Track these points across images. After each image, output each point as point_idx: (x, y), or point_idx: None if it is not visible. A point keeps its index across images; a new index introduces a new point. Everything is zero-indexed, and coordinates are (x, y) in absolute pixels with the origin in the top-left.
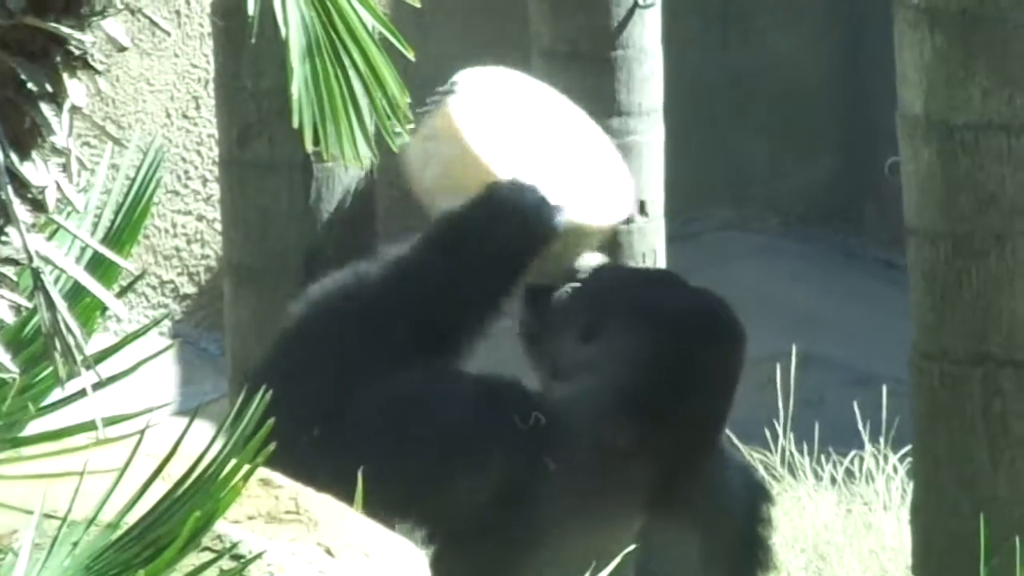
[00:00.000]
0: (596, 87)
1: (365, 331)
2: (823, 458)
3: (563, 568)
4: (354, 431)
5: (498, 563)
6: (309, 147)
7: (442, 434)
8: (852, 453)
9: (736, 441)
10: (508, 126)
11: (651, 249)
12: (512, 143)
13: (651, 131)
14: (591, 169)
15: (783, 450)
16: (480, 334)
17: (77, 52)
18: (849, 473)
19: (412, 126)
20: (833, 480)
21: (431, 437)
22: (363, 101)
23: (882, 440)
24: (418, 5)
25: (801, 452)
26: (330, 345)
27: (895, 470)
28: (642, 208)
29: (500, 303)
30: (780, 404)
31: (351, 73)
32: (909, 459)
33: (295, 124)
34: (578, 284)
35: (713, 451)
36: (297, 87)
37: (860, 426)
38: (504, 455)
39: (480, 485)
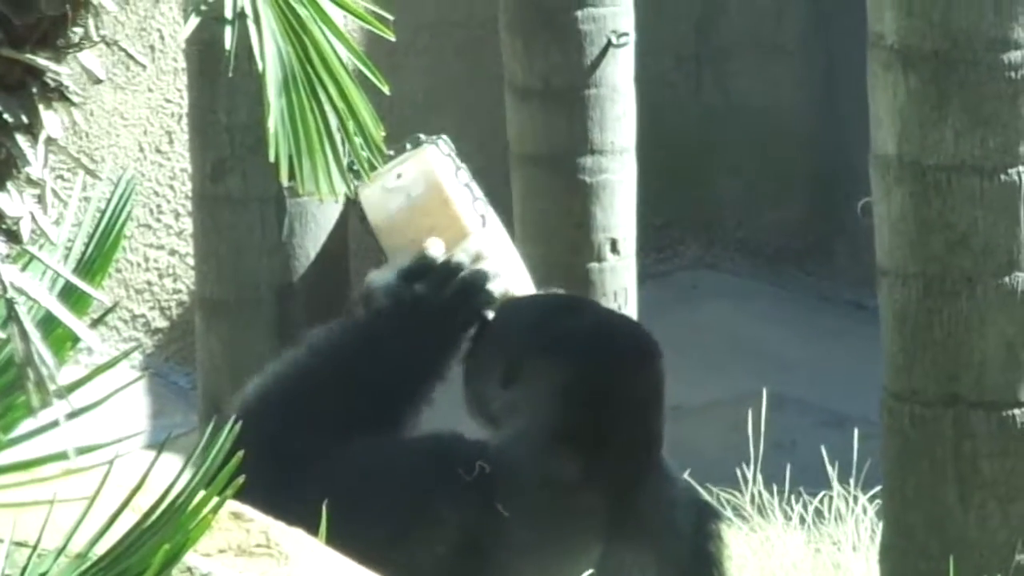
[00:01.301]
0: (568, 125)
1: (300, 417)
2: (793, 499)
3: None
4: (301, 513)
5: None
6: (285, 181)
7: (389, 506)
8: (822, 494)
9: (701, 484)
10: (464, 194)
11: (622, 287)
12: (467, 211)
13: (623, 170)
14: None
15: (753, 491)
16: (423, 399)
17: (53, 84)
18: (819, 513)
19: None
20: (803, 520)
21: (378, 511)
22: (338, 135)
23: (852, 481)
24: (392, 38)
25: (771, 493)
26: (266, 435)
27: (864, 511)
28: (614, 246)
29: (438, 371)
30: (751, 445)
31: (327, 107)
32: (879, 500)
33: (271, 158)
34: (484, 328)
35: (656, 468)
36: (274, 121)
37: (830, 467)
38: (454, 511)
39: (437, 544)
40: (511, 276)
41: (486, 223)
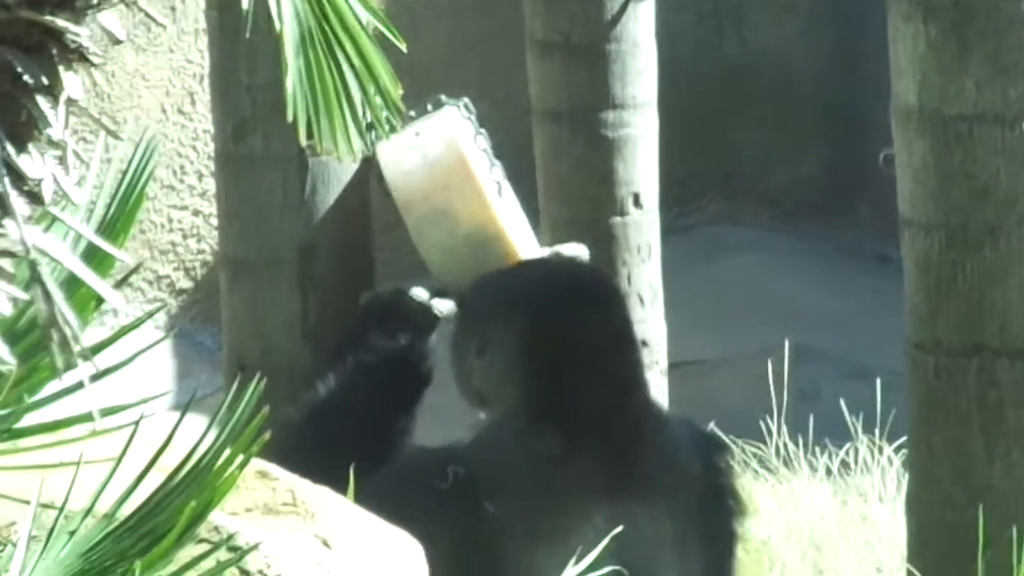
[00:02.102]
0: (590, 80)
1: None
2: (819, 450)
3: None
4: None
5: None
6: (303, 140)
7: None
8: (847, 445)
9: (726, 437)
10: (481, 159)
11: (645, 242)
12: (483, 173)
13: (645, 124)
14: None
15: (778, 443)
16: (408, 421)
17: (73, 45)
18: (844, 465)
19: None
20: (828, 472)
21: None
22: (356, 94)
23: (878, 432)
24: None
25: (797, 444)
26: None
27: (890, 462)
28: (636, 201)
29: (413, 394)
30: (774, 397)
31: (344, 66)
32: (905, 451)
33: (290, 118)
34: (462, 306)
35: (646, 413)
36: (292, 81)
37: (855, 418)
38: (439, 526)
39: (436, 565)
40: (520, 244)
41: (502, 191)
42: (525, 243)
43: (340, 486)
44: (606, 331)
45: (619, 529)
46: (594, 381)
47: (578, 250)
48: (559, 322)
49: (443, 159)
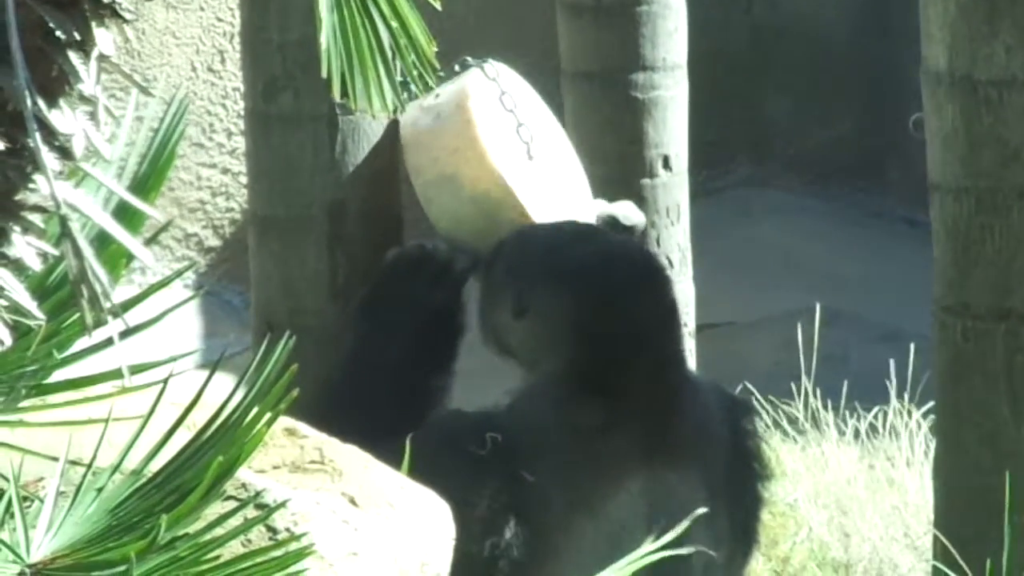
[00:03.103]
0: (620, 41)
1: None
2: (847, 414)
3: (587, 557)
4: None
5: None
6: (337, 97)
7: None
8: (876, 409)
9: (755, 399)
10: (505, 120)
11: (675, 203)
12: (504, 136)
13: (675, 86)
14: (558, 178)
15: (807, 405)
16: (445, 378)
17: (105, 1)
18: (873, 429)
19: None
20: (857, 435)
21: None
22: (391, 51)
23: (906, 396)
24: None
25: (825, 407)
26: None
27: (919, 426)
28: (666, 163)
29: (448, 349)
30: (802, 360)
31: (379, 23)
32: (933, 415)
33: (323, 74)
34: (494, 257)
35: (685, 382)
36: (325, 37)
37: (884, 382)
38: (476, 494)
39: (473, 535)
40: (572, 192)
41: (532, 149)
42: (556, 203)
43: (377, 446)
44: (655, 306)
45: (653, 496)
46: (640, 354)
47: (628, 208)
48: (610, 295)
49: (452, 121)
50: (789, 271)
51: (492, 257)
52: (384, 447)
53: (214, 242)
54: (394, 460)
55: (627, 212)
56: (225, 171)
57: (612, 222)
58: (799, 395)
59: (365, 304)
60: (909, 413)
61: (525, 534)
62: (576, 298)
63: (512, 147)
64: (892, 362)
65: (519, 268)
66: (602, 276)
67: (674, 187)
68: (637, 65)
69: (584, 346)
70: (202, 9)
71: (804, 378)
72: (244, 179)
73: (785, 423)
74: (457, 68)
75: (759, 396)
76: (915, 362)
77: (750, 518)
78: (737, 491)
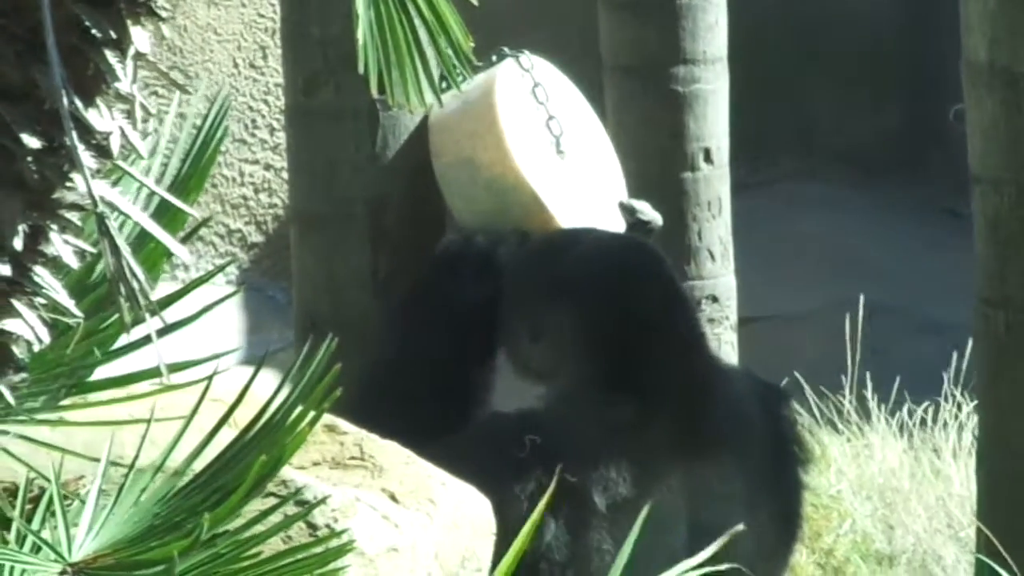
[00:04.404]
0: (661, 35)
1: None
2: (893, 406)
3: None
4: None
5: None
6: (375, 93)
7: None
8: (921, 401)
9: (800, 392)
10: (534, 112)
11: (716, 197)
12: (529, 126)
13: (716, 79)
14: (589, 174)
15: (851, 398)
16: (487, 374)
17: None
18: (920, 420)
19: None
20: (901, 427)
21: None
22: (428, 47)
23: (951, 388)
24: None
25: (871, 400)
26: None
27: (968, 417)
28: (707, 156)
29: (489, 344)
30: (848, 352)
31: (416, 19)
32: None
33: (361, 70)
34: (503, 290)
35: (709, 369)
36: (362, 33)
37: (928, 374)
38: (518, 495)
39: (511, 527)
40: (603, 189)
41: (562, 143)
42: (583, 199)
43: (419, 442)
44: (656, 298)
45: (692, 492)
46: (654, 348)
47: (642, 206)
48: (608, 299)
49: (476, 106)
50: (832, 264)
51: (499, 293)
52: (426, 444)
53: (257, 238)
54: (435, 457)
55: (645, 208)
56: (268, 167)
57: (631, 212)
58: (843, 387)
59: (407, 300)
60: (957, 405)
61: (565, 535)
62: (585, 313)
63: (537, 139)
64: (941, 353)
65: (525, 297)
66: (593, 279)
67: (715, 180)
68: (678, 58)
69: (596, 354)
70: (243, 5)
71: (849, 370)
72: (287, 175)
73: (830, 415)
74: (494, 58)
75: (805, 388)
76: (959, 354)
77: (792, 504)
78: (777, 478)
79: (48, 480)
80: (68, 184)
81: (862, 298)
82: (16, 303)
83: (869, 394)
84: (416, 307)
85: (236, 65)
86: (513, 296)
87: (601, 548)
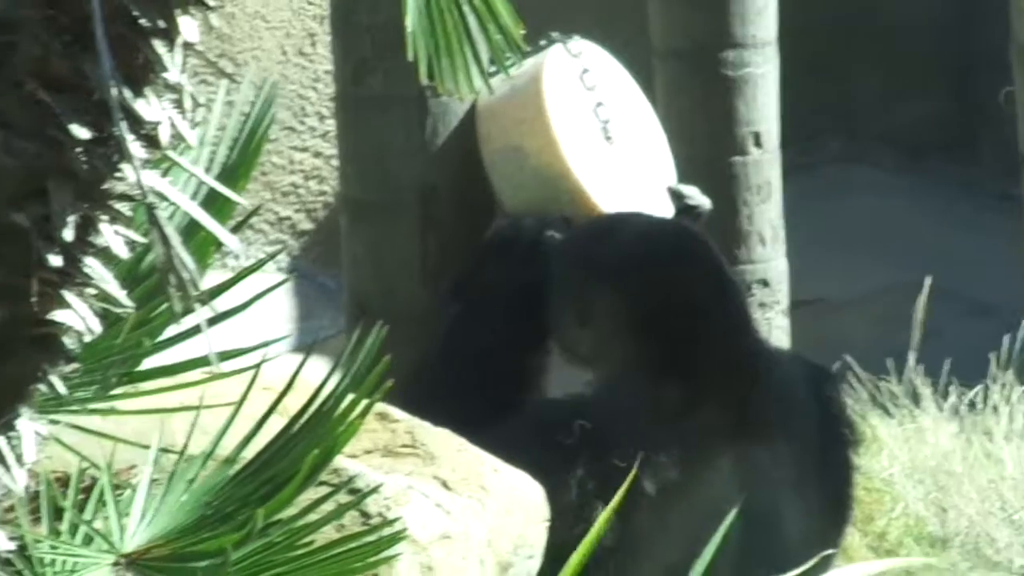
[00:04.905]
0: (711, 19)
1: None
2: (945, 388)
3: (679, 539)
4: None
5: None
6: (424, 80)
7: None
8: (972, 384)
9: (851, 375)
10: (583, 98)
11: (766, 181)
12: (577, 112)
13: (766, 63)
14: (638, 161)
15: (904, 380)
16: (540, 359)
17: None
18: (970, 404)
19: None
20: (954, 410)
21: None
22: (477, 33)
23: (1003, 371)
24: None
25: (922, 383)
26: None
27: (1020, 399)
28: (757, 140)
29: (541, 329)
30: (900, 335)
31: (464, 5)
32: None
33: (409, 57)
34: (549, 276)
35: (757, 352)
36: (411, 20)
37: (978, 357)
38: (567, 481)
39: (565, 521)
40: (652, 176)
41: (610, 129)
42: (630, 185)
43: (470, 429)
44: (702, 282)
45: (742, 475)
46: (702, 333)
47: (691, 191)
48: (654, 283)
49: (524, 92)
50: (882, 247)
51: (546, 280)
52: (477, 431)
53: (307, 225)
54: (485, 444)
55: (693, 193)
56: (317, 154)
57: (679, 197)
58: (893, 371)
59: (458, 285)
60: (1007, 388)
61: (616, 520)
62: (631, 297)
63: (586, 125)
64: (991, 336)
65: (572, 281)
66: (651, 269)
67: (765, 164)
68: (727, 42)
69: (646, 337)
70: None
71: (902, 353)
72: (336, 162)
73: (881, 398)
74: (543, 43)
75: (856, 371)
76: (1011, 336)
77: (843, 485)
78: (827, 459)
79: (100, 470)
80: (117, 174)
81: (912, 281)
82: (67, 293)
83: (919, 377)
84: (465, 293)
85: (284, 52)
86: (560, 281)
87: (651, 533)
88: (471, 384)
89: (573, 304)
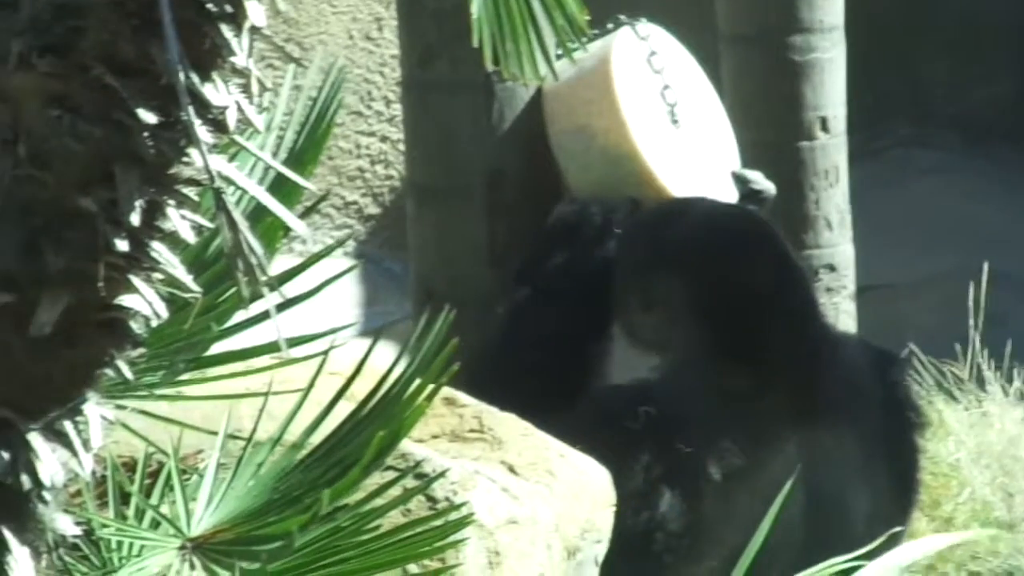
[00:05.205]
0: (777, 4)
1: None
2: (1011, 373)
3: (743, 524)
4: None
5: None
6: (490, 65)
7: None
8: None
9: (917, 360)
10: (650, 80)
11: (833, 166)
12: (644, 95)
13: (833, 48)
14: (703, 144)
15: (970, 365)
16: (605, 344)
17: None
18: None
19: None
20: (1020, 395)
21: None
22: (542, 18)
23: None
24: None
25: (988, 367)
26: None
27: None
28: (824, 125)
29: (606, 314)
30: (965, 320)
31: None
32: None
33: (475, 43)
34: (613, 262)
35: (823, 336)
36: (476, 5)
37: None
38: (633, 467)
39: (632, 508)
40: (716, 160)
41: (677, 112)
42: (696, 168)
43: (537, 414)
44: (768, 267)
45: (807, 458)
46: (767, 318)
47: (755, 175)
48: (719, 268)
49: (592, 74)
50: (948, 231)
51: (610, 265)
52: (544, 416)
53: (374, 210)
54: (551, 429)
55: (757, 178)
56: (384, 139)
57: (744, 181)
58: (959, 355)
59: (524, 270)
60: None
61: (680, 505)
62: (689, 280)
63: (652, 107)
64: None
65: (637, 266)
66: (708, 252)
67: (832, 149)
68: (794, 27)
69: (711, 322)
70: None
71: (967, 338)
72: (403, 147)
73: (947, 383)
74: (610, 26)
75: (922, 356)
76: None
77: (909, 469)
78: (893, 444)
79: (166, 455)
80: (185, 159)
81: (978, 266)
82: (134, 278)
83: (985, 362)
84: (532, 278)
85: (351, 37)
86: (625, 265)
87: (716, 518)
88: (538, 369)
89: (638, 288)
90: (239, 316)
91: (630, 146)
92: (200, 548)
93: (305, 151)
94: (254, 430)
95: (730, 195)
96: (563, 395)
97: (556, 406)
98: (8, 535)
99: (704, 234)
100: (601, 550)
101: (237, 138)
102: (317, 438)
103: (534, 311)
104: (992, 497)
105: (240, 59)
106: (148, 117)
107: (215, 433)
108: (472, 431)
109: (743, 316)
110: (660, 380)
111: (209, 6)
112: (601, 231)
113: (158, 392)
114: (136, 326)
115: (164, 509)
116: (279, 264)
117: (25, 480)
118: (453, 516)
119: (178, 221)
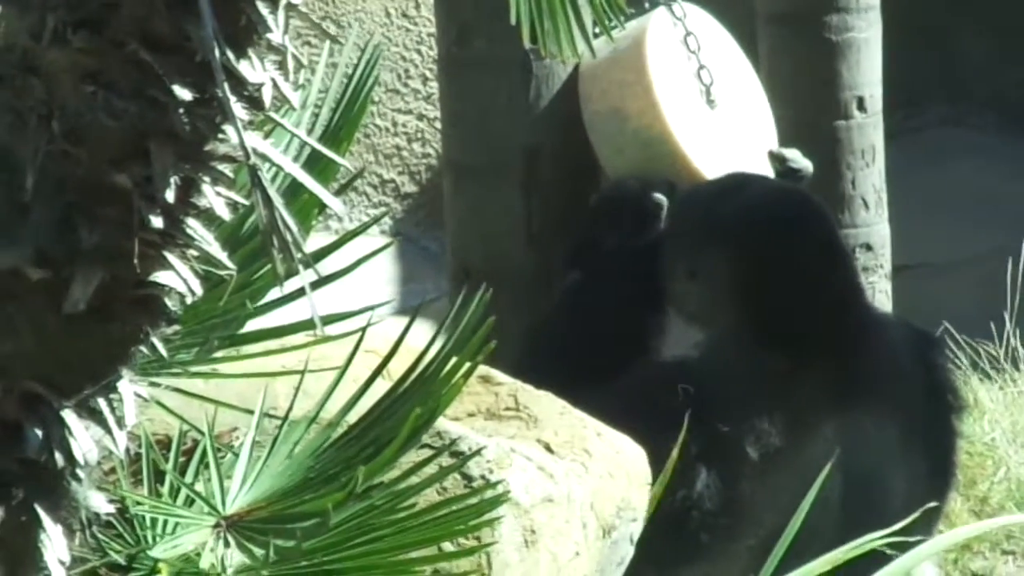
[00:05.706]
0: None
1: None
2: None
3: (781, 503)
4: None
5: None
6: (527, 43)
7: None
8: None
9: (953, 340)
10: (685, 61)
11: (869, 145)
12: (679, 76)
13: (869, 28)
14: (739, 125)
15: (1007, 344)
16: (659, 320)
17: None
18: None
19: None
20: None
21: None
22: None
23: None
24: None
25: (1021, 348)
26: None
27: None
28: (860, 104)
29: (658, 290)
30: (1001, 300)
31: None
32: None
33: (513, 21)
34: (664, 229)
35: (865, 318)
36: None
37: None
38: (666, 439)
39: (672, 482)
40: (753, 140)
41: (713, 93)
42: (731, 148)
43: (581, 392)
44: (815, 247)
45: (846, 440)
46: (811, 297)
47: (793, 154)
48: (768, 245)
49: (627, 54)
50: (985, 211)
51: (660, 232)
52: (583, 394)
53: (410, 188)
54: (590, 406)
55: (795, 156)
56: (421, 117)
57: (781, 160)
58: (995, 335)
59: (571, 251)
60: None
61: (717, 484)
62: (740, 253)
63: (687, 88)
64: None
65: (682, 234)
66: (762, 227)
67: (868, 129)
68: (831, 6)
69: (758, 298)
70: None
71: (1004, 318)
72: (440, 125)
73: (983, 363)
74: (647, 5)
75: (957, 336)
76: None
77: (947, 452)
78: (931, 426)
79: (201, 432)
80: (220, 136)
81: (1016, 246)
82: (169, 255)
83: (1020, 342)
84: (582, 260)
85: (388, 15)
86: (675, 233)
87: (753, 498)
88: (596, 349)
89: (685, 255)
90: (274, 293)
91: (663, 128)
92: (235, 526)
93: (341, 129)
94: (290, 408)
95: (767, 175)
96: (609, 374)
97: (601, 384)
98: (42, 513)
99: (760, 208)
100: (637, 528)
101: (273, 115)
102: (353, 416)
103: (588, 292)
104: None
105: (276, 36)
106: (183, 94)
107: (250, 411)
108: (508, 409)
109: (791, 294)
110: (700, 358)
111: None
112: (643, 209)
113: (193, 369)
114: (171, 303)
115: (199, 487)
116: (314, 242)
117: (59, 458)
118: (489, 494)
119: (213, 198)
